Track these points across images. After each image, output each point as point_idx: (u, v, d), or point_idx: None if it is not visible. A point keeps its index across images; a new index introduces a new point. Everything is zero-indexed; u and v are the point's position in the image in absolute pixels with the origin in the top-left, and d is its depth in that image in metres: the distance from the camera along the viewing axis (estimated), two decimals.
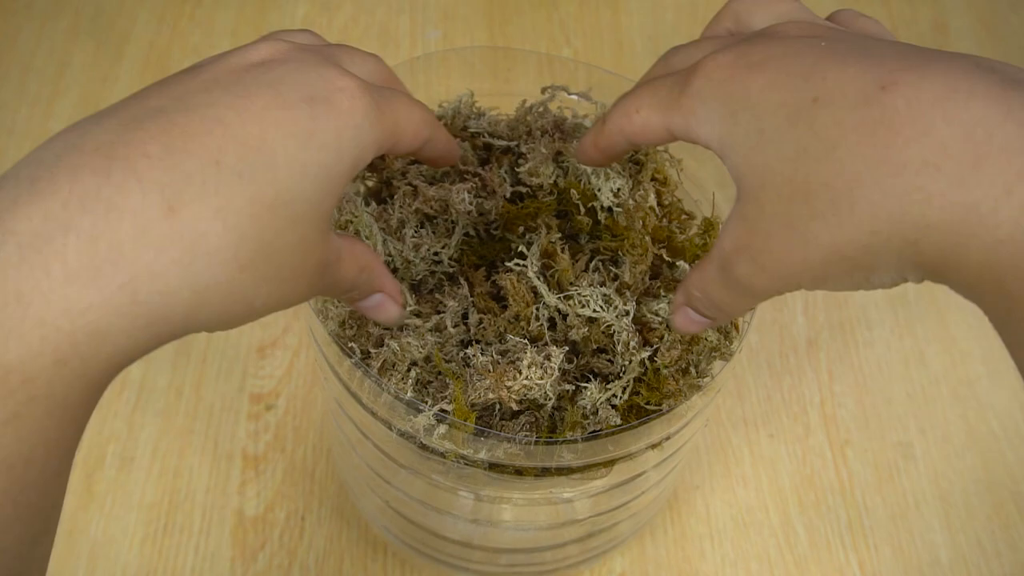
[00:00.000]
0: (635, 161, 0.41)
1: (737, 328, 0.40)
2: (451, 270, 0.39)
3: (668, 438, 0.38)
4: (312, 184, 0.26)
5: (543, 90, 0.44)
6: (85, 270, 0.22)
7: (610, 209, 0.39)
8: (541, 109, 0.43)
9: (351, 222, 0.38)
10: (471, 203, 0.38)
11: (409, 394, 0.35)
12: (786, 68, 0.26)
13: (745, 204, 0.27)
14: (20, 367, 0.21)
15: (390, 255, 0.38)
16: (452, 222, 0.39)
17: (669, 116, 0.29)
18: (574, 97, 0.44)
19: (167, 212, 0.23)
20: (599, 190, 0.39)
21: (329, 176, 0.26)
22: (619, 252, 0.39)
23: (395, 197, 0.39)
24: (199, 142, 0.24)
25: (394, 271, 0.38)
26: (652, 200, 0.40)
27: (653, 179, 0.41)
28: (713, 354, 0.38)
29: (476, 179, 0.39)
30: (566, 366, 0.36)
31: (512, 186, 0.40)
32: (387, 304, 0.33)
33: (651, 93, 0.30)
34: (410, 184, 0.40)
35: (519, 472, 0.36)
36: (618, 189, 0.39)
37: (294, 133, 0.25)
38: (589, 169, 0.39)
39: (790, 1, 0.30)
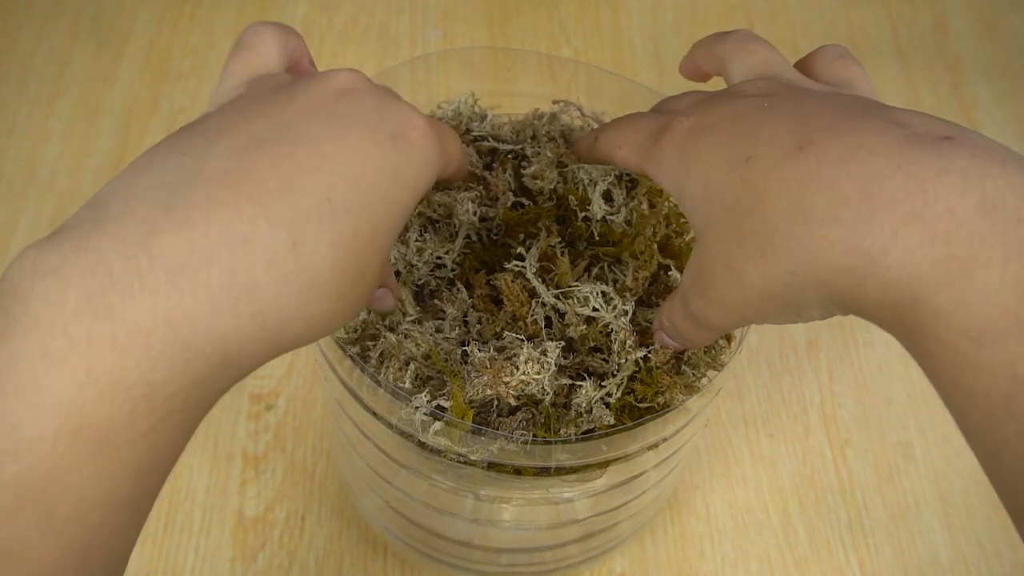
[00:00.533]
0: (630, 179, 0.41)
1: (730, 341, 0.40)
2: (452, 275, 0.39)
3: (665, 439, 0.38)
4: (394, 218, 0.28)
5: (555, 102, 0.44)
6: (226, 300, 0.23)
7: (604, 218, 0.39)
8: (549, 116, 0.43)
9: None
10: (475, 212, 0.38)
11: (407, 386, 0.35)
12: (730, 130, 0.29)
13: (698, 247, 0.31)
14: (165, 387, 0.23)
15: (394, 259, 0.38)
16: (455, 227, 0.39)
17: (642, 162, 0.33)
18: (588, 116, 0.44)
19: (292, 247, 0.24)
20: (591, 200, 0.39)
21: (405, 210, 0.28)
22: (620, 258, 0.39)
23: None
24: (312, 177, 0.25)
25: (396, 275, 0.38)
26: (645, 207, 0.40)
27: (646, 195, 0.41)
28: (701, 364, 0.38)
29: (480, 187, 0.39)
30: (562, 362, 0.36)
31: (515, 192, 0.40)
32: (387, 296, 0.35)
33: (632, 135, 0.34)
34: None
35: (518, 471, 0.36)
36: (606, 190, 0.39)
37: (385, 171, 0.27)
38: (585, 179, 0.39)
39: (767, 51, 0.33)
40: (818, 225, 0.25)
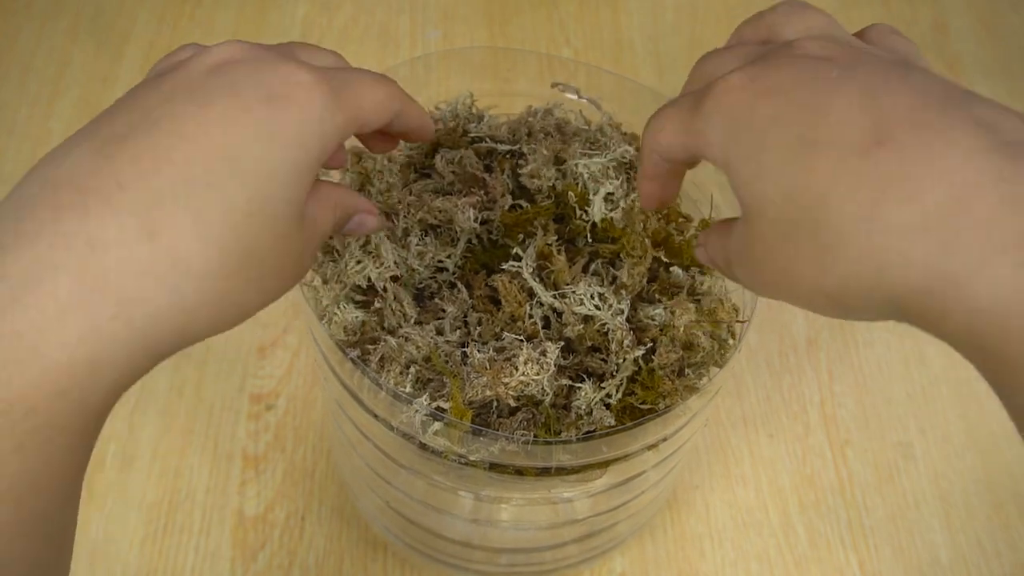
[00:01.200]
0: (633, 168, 0.41)
1: (734, 336, 0.40)
2: (453, 277, 0.39)
3: (665, 439, 0.38)
4: (282, 182, 0.26)
5: (553, 85, 0.44)
6: (75, 305, 0.23)
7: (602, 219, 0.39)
8: (543, 112, 0.43)
9: None
10: (476, 219, 0.38)
11: (409, 389, 0.35)
12: (793, 99, 0.26)
13: (746, 223, 0.28)
14: (23, 400, 0.22)
15: (395, 263, 0.38)
16: (456, 231, 0.39)
17: (684, 136, 0.29)
18: (584, 101, 0.44)
19: (147, 238, 0.24)
20: (593, 194, 0.39)
21: (298, 171, 0.27)
22: (618, 255, 0.39)
23: (400, 207, 0.39)
24: (167, 160, 0.24)
25: (397, 279, 0.38)
26: None
27: None
28: (708, 362, 0.38)
29: (481, 192, 0.39)
30: (561, 362, 0.36)
31: (513, 192, 0.40)
32: (365, 219, 0.33)
33: (674, 111, 0.30)
34: (414, 195, 0.40)
35: (519, 472, 0.36)
36: (610, 193, 0.39)
37: (257, 135, 0.25)
38: (585, 173, 0.39)
39: (823, 16, 0.30)
40: (896, 239, 0.23)
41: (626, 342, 0.36)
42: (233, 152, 0.25)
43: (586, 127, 0.43)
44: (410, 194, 0.40)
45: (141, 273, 0.23)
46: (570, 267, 0.38)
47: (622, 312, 0.37)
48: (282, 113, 0.26)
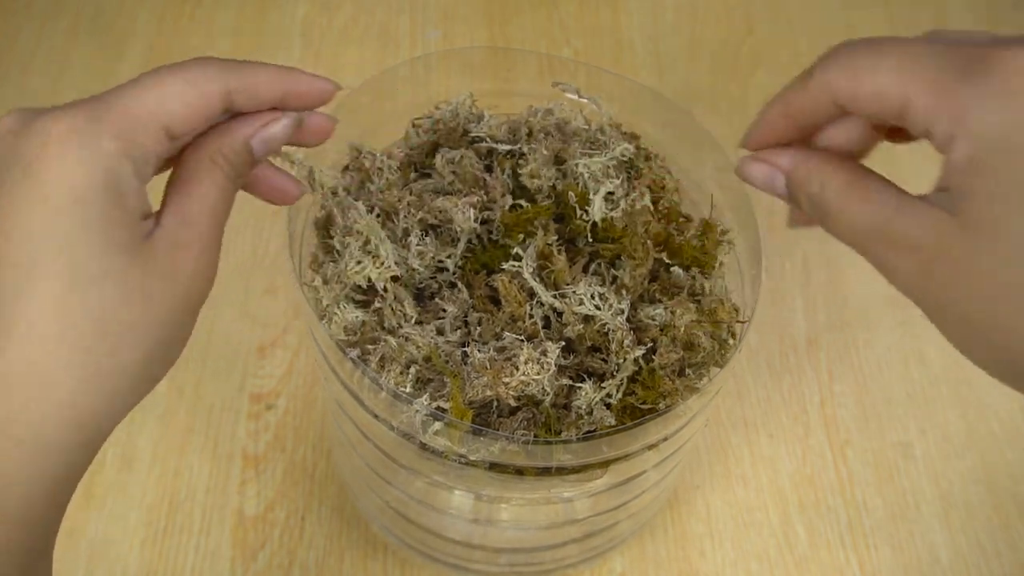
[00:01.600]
0: (633, 167, 0.41)
1: (734, 336, 0.40)
2: (454, 277, 0.39)
3: (665, 439, 0.38)
4: (80, 243, 0.25)
5: (554, 85, 0.44)
6: None
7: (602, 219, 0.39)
8: (543, 112, 0.43)
9: (360, 232, 0.38)
10: (476, 219, 0.38)
11: (409, 389, 0.35)
12: None
13: (967, 224, 0.23)
14: None
15: (395, 263, 0.38)
16: (456, 231, 0.39)
17: (924, 94, 0.23)
18: (584, 100, 0.44)
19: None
20: (593, 194, 0.39)
21: (91, 223, 0.25)
22: (619, 255, 0.39)
23: (400, 206, 0.39)
24: None
25: (398, 279, 0.38)
26: (647, 200, 0.40)
27: (649, 187, 0.41)
28: (708, 362, 0.38)
29: (481, 192, 0.39)
30: (562, 362, 0.36)
31: (514, 192, 0.40)
32: (268, 133, 0.30)
33: (903, 57, 0.24)
34: (414, 195, 0.40)
35: (520, 472, 0.36)
36: (611, 193, 0.39)
37: (31, 211, 0.25)
38: (585, 173, 0.39)
39: None
40: None
41: (626, 342, 0.36)
42: (24, 242, 0.24)
43: (586, 127, 0.43)
44: (410, 194, 0.40)
45: (7, 393, 0.24)
46: (570, 267, 0.38)
47: (622, 312, 0.37)
48: (45, 177, 0.25)
